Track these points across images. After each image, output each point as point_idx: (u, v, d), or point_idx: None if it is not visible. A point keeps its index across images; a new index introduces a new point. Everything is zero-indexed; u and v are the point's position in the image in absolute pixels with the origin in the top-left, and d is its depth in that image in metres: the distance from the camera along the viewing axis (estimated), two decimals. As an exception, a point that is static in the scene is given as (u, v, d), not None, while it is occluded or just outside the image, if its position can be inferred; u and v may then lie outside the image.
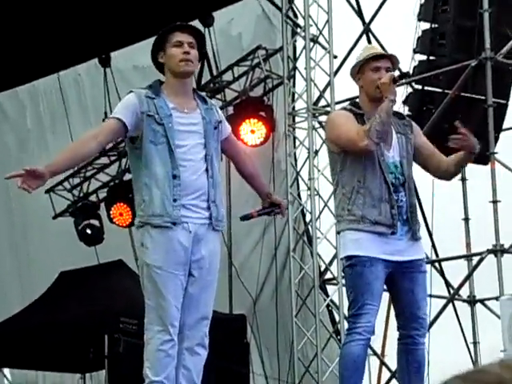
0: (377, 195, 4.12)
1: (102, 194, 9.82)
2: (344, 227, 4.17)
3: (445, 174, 4.39)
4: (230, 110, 8.56)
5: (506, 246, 8.23)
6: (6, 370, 11.37)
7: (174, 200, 3.84)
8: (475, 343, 9.72)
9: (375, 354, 10.37)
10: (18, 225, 10.72)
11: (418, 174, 10.52)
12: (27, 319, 8.85)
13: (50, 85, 10.23)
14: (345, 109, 4.32)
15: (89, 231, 9.61)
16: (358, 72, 4.25)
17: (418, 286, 4.14)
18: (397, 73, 4.14)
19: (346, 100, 9.01)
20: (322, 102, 8.27)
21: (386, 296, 12.17)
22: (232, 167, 8.94)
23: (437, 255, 9.81)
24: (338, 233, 4.31)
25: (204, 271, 3.91)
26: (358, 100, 4.35)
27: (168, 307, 3.81)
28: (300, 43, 8.36)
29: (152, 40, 8.93)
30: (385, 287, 4.22)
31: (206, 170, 3.90)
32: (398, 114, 4.41)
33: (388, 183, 4.14)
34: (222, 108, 8.63)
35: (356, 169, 4.16)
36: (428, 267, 9.75)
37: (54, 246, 10.01)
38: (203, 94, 4.20)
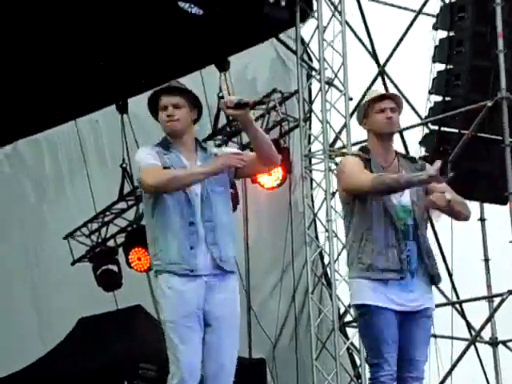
0: (384, 242, 4.12)
1: (120, 239, 9.83)
2: (354, 275, 4.18)
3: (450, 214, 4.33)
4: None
5: (528, 287, 8.16)
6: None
7: (191, 248, 3.91)
8: (498, 385, 9.60)
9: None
10: (37, 270, 10.73)
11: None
12: (47, 366, 8.82)
13: (68, 131, 10.31)
14: (355, 154, 4.33)
15: (107, 277, 9.60)
16: (363, 117, 4.28)
17: (420, 330, 4.14)
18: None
19: (363, 141, 9.03)
20: (338, 144, 8.29)
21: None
22: (249, 218, 8.98)
23: (457, 297, 9.73)
24: (349, 278, 4.29)
25: (221, 320, 3.93)
26: (366, 144, 4.35)
27: (184, 360, 3.85)
28: (315, 86, 8.41)
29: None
30: None
31: (202, 216, 3.94)
32: (410, 158, 4.41)
33: (397, 228, 4.13)
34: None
35: (364, 216, 4.17)
36: (449, 309, 9.72)
37: (73, 291, 10.00)
38: (204, 144, 4.22)
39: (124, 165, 9.30)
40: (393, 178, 4.08)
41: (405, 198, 4.18)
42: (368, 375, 4.20)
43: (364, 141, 9.03)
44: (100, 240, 9.69)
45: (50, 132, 10.18)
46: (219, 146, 8.44)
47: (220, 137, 8.62)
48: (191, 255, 3.88)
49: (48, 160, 10.77)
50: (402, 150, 9.71)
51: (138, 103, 9.65)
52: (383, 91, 4.62)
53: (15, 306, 10.77)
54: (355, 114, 4.35)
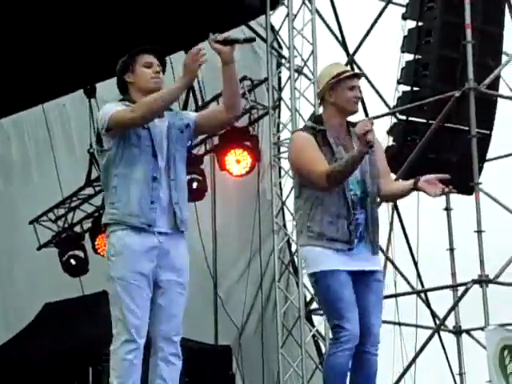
0: (334, 212, 4.20)
1: (87, 224, 9.79)
2: (304, 242, 4.25)
3: (388, 197, 4.49)
4: (216, 140, 8.58)
5: (491, 277, 8.24)
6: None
7: (152, 202, 3.89)
8: (461, 374, 9.70)
9: None
10: (3, 255, 10.66)
11: (403, 204, 10.53)
12: (11, 351, 8.79)
13: (35, 116, 10.23)
14: (306, 129, 4.35)
15: (73, 262, 9.57)
16: (330, 89, 4.30)
17: (372, 294, 4.21)
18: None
19: (331, 130, 9.06)
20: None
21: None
22: (218, 205, 9.00)
23: (422, 285, 9.81)
24: (300, 246, 4.36)
25: (174, 283, 3.96)
26: (320, 114, 4.39)
27: (132, 318, 3.87)
28: (285, 74, 8.42)
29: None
30: None
31: (168, 174, 3.95)
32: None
33: (347, 199, 4.21)
34: (207, 138, 8.67)
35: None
36: (413, 297, 9.80)
37: (38, 276, 9.95)
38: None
39: (91, 150, 9.25)
40: (340, 165, 4.13)
41: (356, 172, 4.24)
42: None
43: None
44: (66, 225, 9.64)
45: (16, 116, 10.09)
46: None
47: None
48: (151, 210, 3.88)
49: (15, 144, 10.69)
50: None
51: (106, 88, 9.60)
52: (347, 67, 4.68)
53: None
54: (323, 80, 4.29)
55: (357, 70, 4.42)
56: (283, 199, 8.38)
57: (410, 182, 4.28)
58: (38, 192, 10.28)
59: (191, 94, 8.63)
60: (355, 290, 4.17)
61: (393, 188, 4.36)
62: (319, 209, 4.20)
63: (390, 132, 9.48)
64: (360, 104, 10.47)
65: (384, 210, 9.69)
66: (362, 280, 4.20)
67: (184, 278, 4.04)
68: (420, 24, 8.92)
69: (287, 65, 8.20)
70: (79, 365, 8.01)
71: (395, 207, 9.88)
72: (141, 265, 3.89)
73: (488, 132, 9.01)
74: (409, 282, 9.64)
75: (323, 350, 8.15)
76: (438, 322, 9.38)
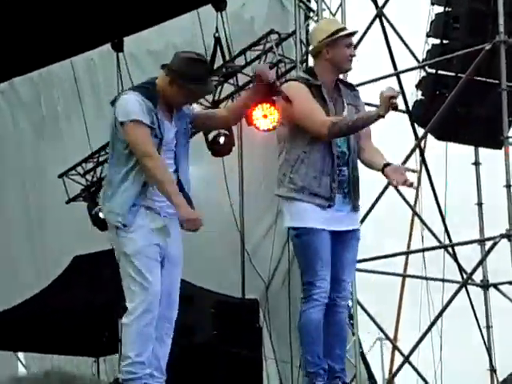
0: (319, 167, 4.21)
1: (116, 178, 9.81)
2: (284, 194, 4.26)
3: (364, 164, 4.40)
4: (243, 94, 8.54)
5: (520, 231, 8.21)
6: (21, 355, 11.45)
7: (133, 205, 4.00)
8: (488, 327, 9.73)
9: (388, 338, 10.39)
10: (33, 209, 10.78)
11: (431, 158, 10.47)
12: (42, 303, 8.91)
13: (64, 70, 10.25)
14: (301, 80, 4.30)
15: (102, 216, 9.63)
16: (327, 45, 4.28)
17: (348, 252, 4.27)
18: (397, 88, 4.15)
19: (359, 84, 8.99)
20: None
21: (398, 281, 12.05)
22: (244, 160, 8.99)
23: (450, 240, 9.80)
24: (277, 195, 4.35)
25: (173, 266, 4.08)
26: (313, 68, 4.36)
27: (152, 289, 3.96)
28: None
29: (165, 25, 8.85)
30: None
31: (177, 172, 4.08)
32: (349, 85, 4.44)
33: (333, 156, 4.22)
34: (234, 92, 8.64)
35: (303, 138, 4.23)
36: (441, 252, 9.80)
37: (68, 230, 10.06)
38: None
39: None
40: (347, 123, 4.14)
41: None
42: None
43: (361, 84, 8.99)
44: (95, 179, 9.70)
45: (45, 70, 10.12)
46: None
47: (216, 77, 8.57)
48: (131, 212, 4.01)
49: (44, 98, 10.73)
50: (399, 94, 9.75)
51: (135, 43, 9.59)
52: (343, 25, 4.68)
53: (11, 244, 10.85)
54: (320, 35, 4.27)
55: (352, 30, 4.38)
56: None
57: (381, 163, 4.28)
58: (67, 146, 10.34)
59: (218, 48, 8.58)
60: (332, 246, 4.22)
61: (371, 158, 4.33)
62: (305, 162, 4.20)
63: (418, 86, 9.40)
64: (389, 57, 10.39)
65: (412, 164, 9.66)
66: (341, 238, 4.24)
67: (181, 258, 4.15)
68: (450, -24, 8.80)
69: (315, 18, 8.13)
70: (109, 317, 8.10)
71: (423, 161, 9.83)
72: (154, 239, 4.02)
73: (519, 85, 8.91)
74: (436, 237, 9.64)
75: (350, 303, 8.20)
76: (465, 276, 9.38)
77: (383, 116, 4.11)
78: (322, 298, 4.15)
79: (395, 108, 4.15)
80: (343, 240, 4.25)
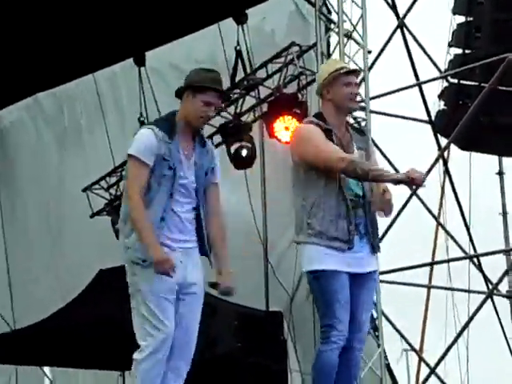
0: (335, 211, 4.20)
1: (138, 192, 9.82)
2: (303, 240, 4.26)
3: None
4: (264, 107, 8.56)
5: (545, 240, 8.15)
6: (47, 369, 11.49)
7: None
8: (515, 338, 9.66)
9: (413, 349, 10.33)
10: (54, 222, 10.83)
11: (455, 169, 10.40)
12: (67, 317, 8.93)
13: (86, 84, 10.31)
14: (312, 122, 4.32)
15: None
16: (327, 85, 4.29)
17: (366, 294, 4.27)
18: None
19: (381, 95, 8.99)
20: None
21: (423, 292, 11.97)
22: (267, 172, 8.99)
23: (475, 250, 9.74)
24: (297, 243, 4.36)
25: (194, 297, 4.11)
26: (321, 112, 4.36)
27: (164, 330, 3.98)
28: (334, 39, 8.34)
29: (187, 38, 8.89)
30: None
31: (198, 212, 4.12)
32: (359, 131, 4.46)
33: (347, 200, 4.21)
34: (256, 105, 8.65)
35: (318, 183, 4.23)
36: (466, 262, 9.75)
37: (89, 243, 10.09)
38: (203, 137, 4.29)
39: (142, 118, 9.29)
40: (364, 169, 4.14)
41: None
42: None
43: (383, 94, 8.98)
44: (118, 193, 9.73)
45: (68, 85, 10.19)
46: (225, 107, 8.34)
47: (237, 90, 8.59)
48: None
49: (67, 113, 10.80)
50: (420, 104, 9.74)
51: (157, 57, 9.64)
52: (345, 64, 4.68)
53: (35, 258, 10.90)
54: (321, 76, 4.29)
55: (353, 67, 4.38)
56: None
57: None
58: (90, 160, 10.39)
59: (240, 61, 8.60)
60: (350, 288, 4.21)
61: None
62: (321, 207, 4.19)
63: (441, 96, 9.39)
64: (411, 68, 10.38)
65: (435, 174, 9.63)
66: (359, 280, 4.23)
67: (201, 291, 4.16)
68: (471, -15, 8.79)
69: (336, 30, 8.12)
70: (133, 333, 8.13)
71: (447, 171, 9.80)
72: (166, 282, 4.00)
73: (542, 94, 8.87)
74: (461, 247, 9.59)
75: (375, 315, 8.16)
76: (490, 287, 9.32)
77: (398, 182, 4.13)
78: (340, 340, 4.15)
79: (416, 186, 4.17)
80: (361, 282, 4.24)
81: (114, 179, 9.77)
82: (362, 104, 8.01)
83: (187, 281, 4.06)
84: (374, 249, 4.28)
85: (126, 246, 4.09)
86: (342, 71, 4.28)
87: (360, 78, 8.29)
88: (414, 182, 4.09)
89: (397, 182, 4.14)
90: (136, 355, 4.04)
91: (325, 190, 4.20)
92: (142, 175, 4.01)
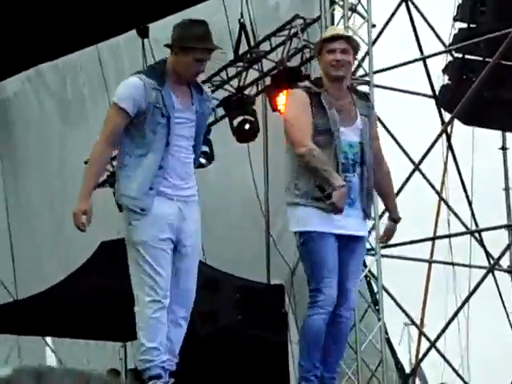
0: None
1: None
2: (290, 200, 4.22)
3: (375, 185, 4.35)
4: (268, 80, 8.53)
5: (547, 216, 8.16)
6: (49, 339, 11.56)
7: (151, 188, 3.99)
8: (515, 313, 9.69)
9: (414, 323, 10.37)
10: (58, 195, 10.84)
11: (459, 145, 10.40)
12: (69, 288, 8.97)
13: (89, 56, 10.28)
14: (304, 88, 4.29)
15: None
16: (318, 54, 4.29)
17: (354, 259, 4.22)
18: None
19: (385, 69, 8.96)
20: (360, 72, 8.22)
21: (424, 267, 12.03)
22: (270, 141, 8.99)
23: (476, 225, 9.75)
24: (287, 204, 4.31)
25: (191, 249, 4.06)
26: (321, 77, 4.32)
27: (160, 279, 3.96)
28: (338, 12, 8.30)
29: (190, 10, 8.85)
30: None
31: (194, 152, 4.09)
32: (364, 97, 4.40)
33: (338, 162, 4.16)
34: (259, 79, 8.63)
35: None
36: (468, 237, 9.75)
37: (93, 216, 10.09)
38: (198, 83, 4.22)
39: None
40: (317, 166, 4.08)
41: (351, 134, 4.21)
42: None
43: (386, 69, 8.92)
44: (121, 165, 9.72)
45: (71, 57, 10.15)
46: (228, 80, 8.33)
47: (241, 63, 8.56)
48: (147, 195, 3.98)
49: (70, 84, 10.77)
50: (424, 78, 9.70)
51: (160, 28, 9.59)
52: (340, 30, 4.61)
53: (37, 230, 10.92)
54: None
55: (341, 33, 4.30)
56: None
57: (389, 207, 4.35)
58: (93, 132, 10.38)
59: (243, 34, 8.57)
60: (338, 253, 4.17)
61: (380, 189, 4.32)
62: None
63: (445, 70, 9.35)
64: (415, 42, 10.28)
65: (438, 149, 9.61)
66: (348, 245, 4.19)
67: (199, 241, 4.13)
68: (477, -41, 8.72)
69: (341, 3, 8.08)
70: (131, 304, 8.16)
71: (449, 146, 9.78)
72: (166, 228, 3.99)
73: (546, 70, 8.83)
74: (463, 222, 9.59)
75: (375, 290, 8.19)
76: (492, 262, 9.34)
77: (323, 191, 4.09)
78: (327, 305, 4.10)
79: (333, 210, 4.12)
80: (349, 247, 4.20)
81: (116, 151, 9.76)
82: (366, 78, 7.99)
83: (184, 232, 4.02)
84: (365, 214, 4.21)
85: (121, 193, 4.06)
86: (324, 37, 4.26)
87: (364, 51, 8.31)
88: (333, 206, 4.05)
89: (323, 190, 4.08)
90: (135, 307, 4.03)
91: None
92: (120, 122, 3.99)
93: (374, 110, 4.39)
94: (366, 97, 4.42)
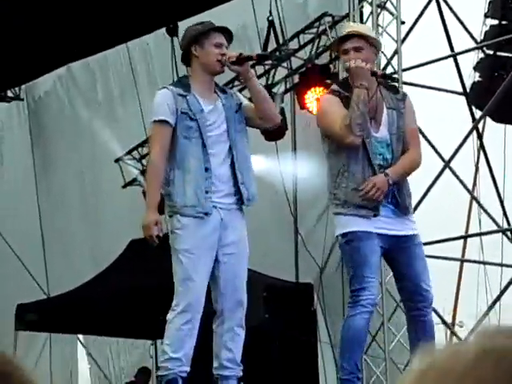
0: (360, 178, 4.15)
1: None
2: (332, 210, 4.26)
3: None
4: (296, 78, 8.51)
5: None
6: (81, 336, 11.64)
7: (206, 192, 4.03)
8: (547, 312, 9.56)
9: (445, 323, 10.30)
10: (90, 194, 10.91)
11: (490, 142, 10.30)
12: (99, 286, 9.03)
13: (119, 55, 10.33)
14: (333, 91, 4.30)
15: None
16: (337, 53, 4.38)
17: (416, 259, 4.17)
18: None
19: (414, 67, 8.88)
20: (389, 70, 8.16)
21: (456, 266, 11.91)
22: (298, 144, 8.96)
23: (508, 223, 9.64)
24: (332, 213, 4.35)
25: (234, 257, 4.08)
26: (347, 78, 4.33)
27: (194, 289, 3.99)
28: (367, 9, 8.25)
29: (218, 9, 8.88)
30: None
31: (232, 155, 4.09)
32: (391, 88, 4.37)
33: (373, 165, 4.14)
34: (288, 76, 8.61)
35: (341, 152, 4.19)
36: (499, 236, 9.65)
37: (124, 214, 10.15)
38: (222, 86, 4.38)
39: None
40: (352, 109, 4.08)
41: (381, 133, 4.19)
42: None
43: (416, 66, 8.87)
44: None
45: (101, 55, 10.21)
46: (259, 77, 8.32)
47: (269, 61, 8.54)
48: (206, 199, 4.02)
49: (100, 83, 10.83)
50: (455, 76, 9.63)
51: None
52: (352, 27, 4.61)
53: (68, 227, 11.00)
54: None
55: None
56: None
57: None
58: (123, 130, 10.44)
59: (272, 32, 8.55)
60: (393, 254, 4.14)
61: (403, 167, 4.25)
62: (345, 175, 4.15)
63: (476, 67, 9.25)
64: (445, 39, 10.19)
65: (470, 147, 9.52)
66: (397, 244, 4.14)
67: (244, 249, 4.13)
68: (509, -45, 8.62)
69: (369, 0, 8.03)
70: (164, 300, 8.19)
71: (481, 145, 9.68)
72: (204, 240, 4.02)
73: None
74: (494, 220, 9.49)
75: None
76: (523, 261, 9.23)
77: (367, 87, 4.06)
78: (369, 304, 4.08)
79: (374, 74, 4.11)
80: (400, 246, 4.15)
81: (146, 149, 9.80)
82: (396, 76, 7.93)
83: (224, 241, 4.04)
84: (404, 210, 4.17)
85: (182, 205, 4.06)
86: (337, 38, 4.33)
87: (393, 49, 8.25)
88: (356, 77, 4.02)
89: (357, 88, 4.06)
90: (168, 315, 4.05)
91: (348, 158, 4.15)
92: (165, 134, 4.06)
93: (404, 101, 4.30)
94: (394, 88, 4.40)
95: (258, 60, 4.10)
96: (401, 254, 4.15)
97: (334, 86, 4.40)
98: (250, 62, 4.15)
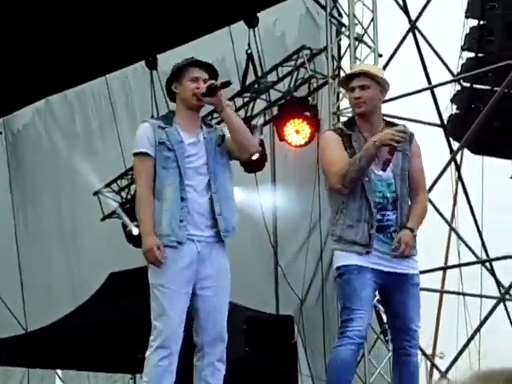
0: (356, 216, 4.18)
1: (150, 195, 9.82)
2: (332, 246, 4.30)
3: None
4: (275, 110, 8.55)
5: (558, 245, 8.09)
6: (59, 371, 11.53)
7: (181, 221, 4.04)
8: (527, 343, 9.58)
9: (424, 354, 10.29)
10: (68, 226, 10.84)
11: (468, 173, 10.35)
12: (78, 320, 8.96)
13: (98, 87, 10.33)
14: (335, 129, 4.36)
15: (136, 233, 9.67)
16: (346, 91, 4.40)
17: (410, 299, 4.18)
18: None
19: (392, 99, 8.95)
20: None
21: (435, 297, 11.91)
22: (277, 175, 8.99)
23: (487, 255, 9.68)
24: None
25: (213, 290, 4.06)
26: (353, 118, 4.38)
27: (170, 324, 3.96)
28: (345, 42, 8.33)
29: (197, 42, 8.95)
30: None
31: (209, 186, 4.09)
32: (397, 127, 4.38)
33: (370, 203, 4.16)
34: (266, 108, 8.64)
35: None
36: (478, 267, 9.69)
37: (103, 247, 10.10)
38: (209, 121, 4.46)
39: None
40: (354, 161, 4.12)
41: (386, 173, 4.21)
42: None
43: (394, 98, 8.93)
44: (129, 197, 9.74)
45: (80, 88, 10.21)
46: (235, 111, 8.36)
47: (248, 94, 8.58)
48: (181, 228, 4.02)
49: (78, 116, 10.81)
50: (432, 108, 9.71)
51: (168, 60, 9.63)
52: (360, 66, 4.64)
53: (46, 260, 10.92)
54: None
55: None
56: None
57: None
58: (101, 163, 10.41)
59: (251, 64, 8.59)
60: (387, 291, 4.16)
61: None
62: (343, 213, 4.20)
63: (453, 99, 9.34)
64: (422, 72, 10.30)
65: (448, 179, 9.58)
66: (392, 281, 4.14)
67: (224, 282, 4.12)
68: (484, -12, 8.74)
69: (347, 33, 8.11)
70: (144, 335, 8.13)
71: (459, 176, 9.74)
72: (179, 274, 4.01)
73: (555, 98, 8.81)
74: (473, 252, 9.53)
75: (385, 320, 8.12)
76: (502, 291, 9.26)
77: (379, 146, 4.07)
78: (356, 336, 4.07)
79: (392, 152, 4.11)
80: (395, 283, 4.15)
81: (125, 182, 9.78)
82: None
83: (202, 275, 4.02)
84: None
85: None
86: (342, 78, 4.42)
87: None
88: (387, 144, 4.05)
89: (374, 147, 4.06)
90: (147, 351, 4.03)
91: (347, 196, 4.19)
92: (147, 166, 4.11)
93: (410, 142, 4.29)
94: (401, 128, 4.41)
95: (222, 86, 4.12)
96: (397, 292, 4.16)
97: (338, 124, 4.49)
98: (222, 92, 4.15)
